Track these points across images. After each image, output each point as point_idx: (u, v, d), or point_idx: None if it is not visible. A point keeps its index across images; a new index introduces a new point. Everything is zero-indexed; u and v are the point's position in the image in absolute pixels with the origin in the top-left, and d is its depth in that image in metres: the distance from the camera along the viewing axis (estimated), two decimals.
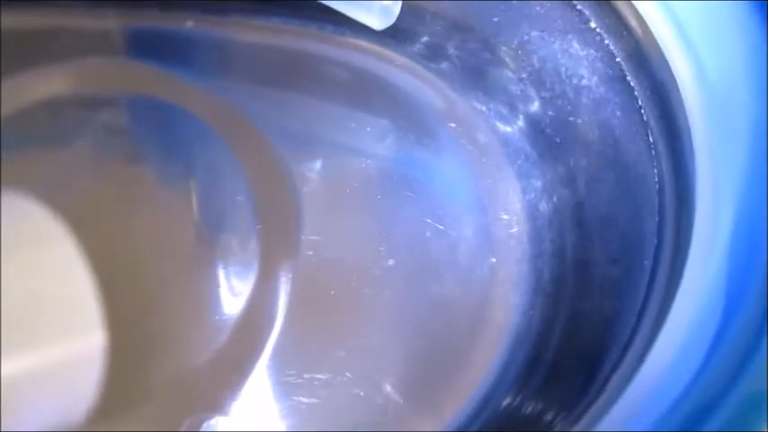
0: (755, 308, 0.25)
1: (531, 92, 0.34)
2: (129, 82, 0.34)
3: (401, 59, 0.35)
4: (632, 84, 0.30)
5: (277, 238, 0.33)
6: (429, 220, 0.34)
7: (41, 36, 0.34)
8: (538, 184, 0.34)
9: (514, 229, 0.34)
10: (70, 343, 0.31)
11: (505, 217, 0.34)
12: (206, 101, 0.34)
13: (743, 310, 0.25)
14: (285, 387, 0.32)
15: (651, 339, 0.25)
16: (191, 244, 0.33)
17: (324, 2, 0.32)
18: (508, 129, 0.35)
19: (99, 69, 0.34)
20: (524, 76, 0.34)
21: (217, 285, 0.32)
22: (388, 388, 0.32)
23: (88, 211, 0.33)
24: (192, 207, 0.33)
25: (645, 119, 0.30)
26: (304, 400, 0.32)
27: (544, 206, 0.34)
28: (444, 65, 0.35)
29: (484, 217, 0.34)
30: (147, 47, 0.35)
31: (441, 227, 0.34)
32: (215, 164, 0.34)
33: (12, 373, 0.30)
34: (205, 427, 0.31)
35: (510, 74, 0.34)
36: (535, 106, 0.34)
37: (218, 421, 0.31)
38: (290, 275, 0.33)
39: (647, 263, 0.29)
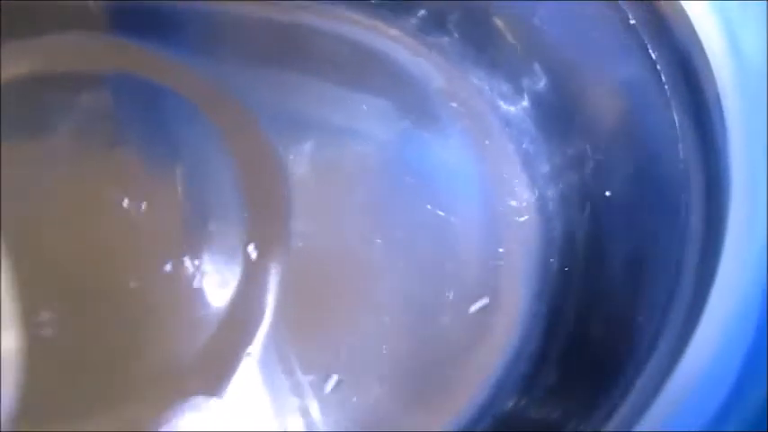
0: None
1: (537, 67, 0.33)
2: (112, 59, 0.33)
3: (398, 34, 0.34)
4: (653, 55, 0.28)
5: (266, 226, 0.32)
6: (429, 207, 0.33)
7: (15, 8, 0.32)
8: (546, 168, 0.33)
9: (522, 218, 0.33)
10: None
11: (512, 204, 0.33)
12: (192, 79, 0.33)
13: None
14: (272, 388, 0.31)
15: (683, 340, 0.23)
16: (176, 232, 0.32)
17: None
18: (512, 108, 0.34)
19: (79, 45, 0.33)
20: (530, 49, 0.33)
21: (203, 277, 0.31)
22: (383, 388, 0.31)
23: (69, 197, 0.32)
24: (178, 193, 0.32)
25: (668, 94, 0.28)
26: (293, 401, 0.31)
27: (553, 192, 0.33)
28: (444, 39, 0.34)
29: (488, 204, 0.33)
30: (130, 21, 0.33)
31: (441, 214, 0.33)
32: (202, 146, 0.33)
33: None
34: (187, 427, 0.30)
35: (514, 48, 0.33)
36: (542, 83, 0.33)
37: (200, 422, 0.30)
38: (280, 267, 0.32)
39: (672, 254, 0.27)
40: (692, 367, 0.23)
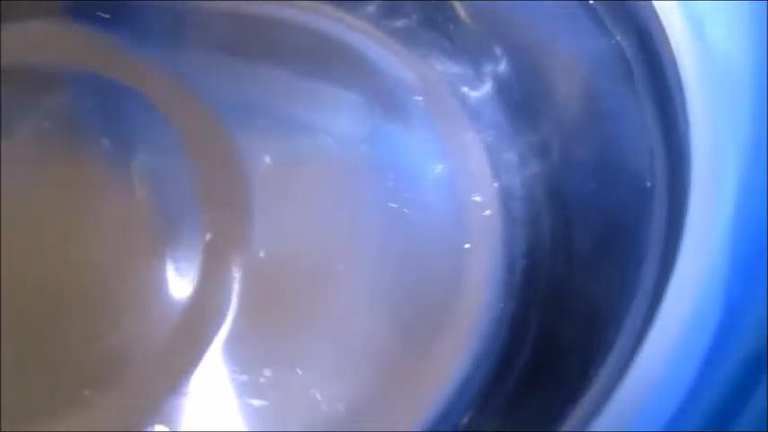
0: (761, 296, 0.23)
1: (498, 49, 0.32)
2: (73, 53, 0.33)
3: (357, 22, 0.34)
4: (618, 38, 0.28)
5: (227, 224, 0.32)
6: (395, 205, 0.32)
7: None
8: (511, 157, 0.32)
9: (487, 212, 0.32)
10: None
11: (478, 198, 0.32)
12: (152, 74, 0.33)
13: (747, 299, 0.23)
14: (233, 387, 0.30)
15: (640, 338, 0.23)
16: (137, 232, 0.32)
17: None
18: (476, 94, 0.33)
19: (37, 38, 0.33)
20: (489, 31, 0.32)
21: (161, 281, 0.31)
22: (346, 387, 0.30)
23: (28, 196, 0.32)
24: (138, 191, 0.32)
25: (633, 79, 0.27)
26: (254, 402, 0.30)
27: (519, 183, 0.32)
28: (402, 23, 0.34)
29: (454, 199, 0.33)
30: (90, 13, 0.33)
31: (406, 211, 0.32)
32: (163, 144, 0.33)
33: None
34: (149, 426, 0.30)
35: (474, 30, 0.33)
36: (504, 66, 0.32)
37: (161, 422, 0.30)
38: (241, 266, 0.31)
39: (635, 247, 0.26)
40: (649, 365, 0.22)
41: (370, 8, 0.34)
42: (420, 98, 0.33)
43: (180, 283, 0.31)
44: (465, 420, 0.30)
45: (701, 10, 0.25)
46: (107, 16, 0.33)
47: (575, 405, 0.24)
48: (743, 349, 0.22)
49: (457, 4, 0.32)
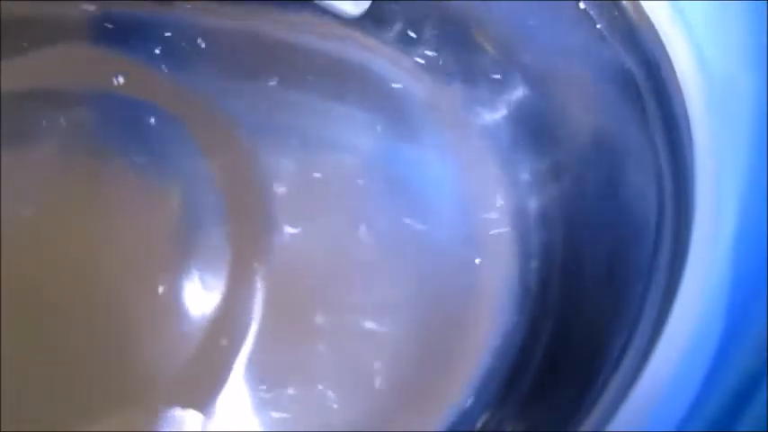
0: (762, 309, 0.24)
1: (516, 77, 0.33)
2: (98, 74, 0.33)
3: (379, 46, 0.34)
4: (628, 66, 0.28)
5: (249, 239, 0.32)
6: (410, 221, 0.33)
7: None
8: (525, 178, 0.33)
9: (501, 230, 0.33)
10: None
11: (491, 215, 0.33)
12: (175, 93, 0.33)
13: (749, 312, 0.24)
14: (256, 400, 0.31)
15: (648, 350, 0.24)
16: (161, 246, 0.32)
17: None
18: (493, 117, 0.34)
19: (62, 60, 0.33)
20: (508, 59, 0.33)
21: (188, 290, 0.31)
22: (364, 396, 0.31)
23: (54, 213, 0.32)
24: (162, 207, 0.32)
25: (642, 106, 0.28)
26: (276, 414, 0.31)
27: (532, 203, 0.33)
28: (423, 50, 0.34)
29: (468, 216, 0.33)
30: (114, 35, 0.33)
31: (422, 227, 0.33)
32: (186, 160, 0.33)
33: None
34: None
35: (492, 58, 0.33)
36: (521, 92, 0.33)
37: None
38: (264, 279, 0.32)
39: (644, 264, 0.27)
40: (659, 370, 0.23)
41: (391, 33, 0.34)
42: (437, 118, 0.34)
43: (205, 296, 0.31)
44: (481, 422, 0.31)
45: (703, 40, 0.26)
46: (131, 39, 0.33)
47: (587, 408, 0.25)
48: (745, 356, 0.23)
49: (475, 31, 0.33)
